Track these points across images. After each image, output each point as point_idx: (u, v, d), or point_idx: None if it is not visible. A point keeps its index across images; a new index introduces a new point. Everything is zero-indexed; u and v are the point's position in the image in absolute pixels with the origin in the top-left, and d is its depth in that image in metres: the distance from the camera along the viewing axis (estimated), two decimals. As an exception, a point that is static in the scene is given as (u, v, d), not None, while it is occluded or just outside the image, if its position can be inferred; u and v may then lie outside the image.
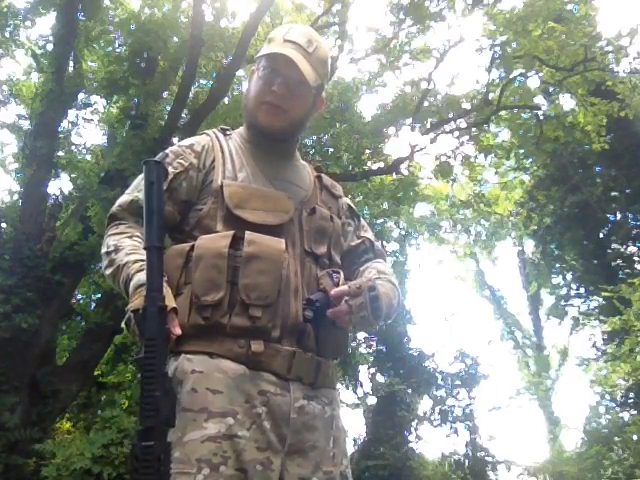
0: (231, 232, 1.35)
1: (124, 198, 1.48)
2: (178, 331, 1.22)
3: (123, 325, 1.26)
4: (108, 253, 1.40)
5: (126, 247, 1.38)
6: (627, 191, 12.15)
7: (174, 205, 1.44)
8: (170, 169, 1.44)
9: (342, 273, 1.43)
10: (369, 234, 1.68)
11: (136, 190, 1.47)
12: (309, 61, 1.46)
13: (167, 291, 1.25)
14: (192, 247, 1.36)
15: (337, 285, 1.37)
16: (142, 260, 1.31)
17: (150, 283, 1.19)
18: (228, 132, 1.59)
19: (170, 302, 1.23)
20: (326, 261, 1.48)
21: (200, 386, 1.27)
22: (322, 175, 1.65)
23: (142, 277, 1.26)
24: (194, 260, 1.34)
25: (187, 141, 1.55)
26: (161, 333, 1.17)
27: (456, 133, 9.51)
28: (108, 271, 1.39)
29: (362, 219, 1.71)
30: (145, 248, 1.22)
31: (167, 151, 1.52)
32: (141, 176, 1.46)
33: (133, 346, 8.74)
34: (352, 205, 1.69)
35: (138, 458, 1.09)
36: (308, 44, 1.48)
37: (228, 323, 1.30)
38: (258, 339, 1.31)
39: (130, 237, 1.41)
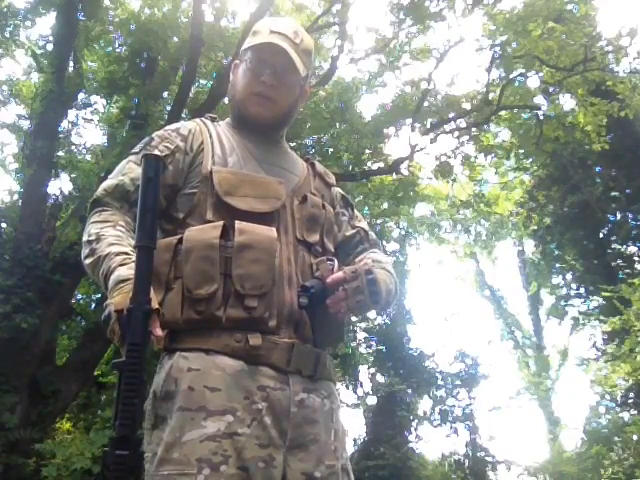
0: (221, 222, 1.32)
1: (109, 182, 1.43)
2: (159, 332, 1.16)
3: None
4: (89, 242, 1.34)
5: (109, 237, 1.32)
6: (627, 191, 12.14)
7: (160, 189, 1.40)
8: (156, 152, 1.40)
9: (336, 260, 1.39)
10: (363, 224, 1.66)
11: (120, 174, 1.43)
12: (296, 51, 1.47)
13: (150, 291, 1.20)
14: (180, 240, 1.32)
15: (332, 272, 1.33)
16: (125, 253, 1.28)
17: (137, 285, 1.14)
18: (216, 120, 1.58)
19: (154, 303, 1.17)
20: (319, 249, 1.46)
21: (197, 384, 1.24)
22: (315, 162, 1.65)
23: (123, 272, 1.23)
24: (183, 253, 1.30)
25: (173, 125, 1.53)
26: (145, 338, 1.12)
27: (456, 133, 9.52)
28: (88, 261, 1.33)
29: (355, 209, 1.69)
30: (135, 247, 1.19)
31: (153, 135, 1.50)
32: (125, 161, 1.45)
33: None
34: (345, 194, 1.68)
35: (110, 468, 1.05)
36: (294, 35, 1.49)
37: (224, 315, 1.27)
38: (255, 331, 1.28)
39: (113, 226, 1.35)
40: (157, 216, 1.25)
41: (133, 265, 1.20)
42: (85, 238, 1.37)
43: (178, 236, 1.34)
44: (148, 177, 1.22)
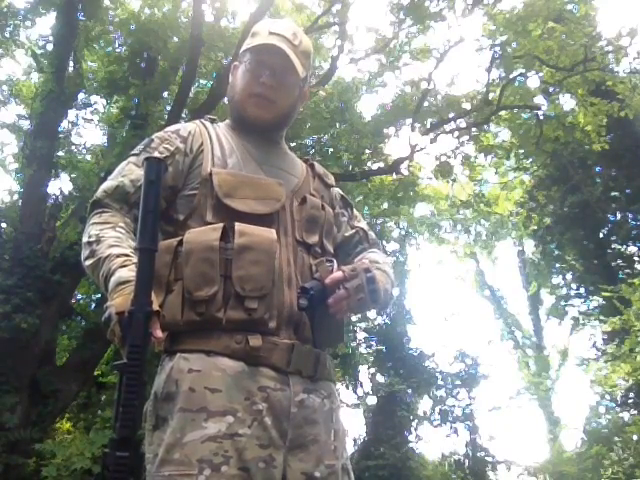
0: (220, 224, 1.33)
1: (109, 183, 1.43)
2: (159, 334, 1.16)
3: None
4: (89, 243, 1.34)
5: (109, 238, 1.32)
6: (627, 191, 12.15)
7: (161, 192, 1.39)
8: (156, 154, 1.41)
9: (335, 261, 1.40)
10: (363, 224, 1.67)
11: (120, 175, 1.43)
12: (295, 53, 1.48)
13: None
14: (180, 242, 1.33)
15: (332, 273, 1.33)
16: (125, 255, 1.28)
17: (139, 287, 1.14)
18: (215, 121, 1.59)
19: (154, 305, 1.17)
20: (318, 250, 1.47)
21: (198, 385, 1.25)
22: (315, 163, 1.65)
23: (124, 274, 1.23)
24: (184, 255, 1.30)
25: (173, 127, 1.53)
26: (146, 340, 1.12)
27: (456, 133, 9.51)
28: (88, 262, 1.33)
29: (355, 209, 1.70)
30: (137, 249, 1.19)
31: (153, 136, 1.50)
32: (125, 162, 1.46)
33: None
34: (344, 195, 1.69)
35: (109, 469, 1.05)
36: (293, 37, 1.49)
37: (224, 317, 1.27)
38: (255, 332, 1.29)
39: (113, 227, 1.35)
40: (159, 218, 1.25)
41: (134, 267, 1.21)
42: (85, 239, 1.37)
43: (178, 238, 1.34)
44: (150, 180, 1.22)
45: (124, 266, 1.25)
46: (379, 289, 1.37)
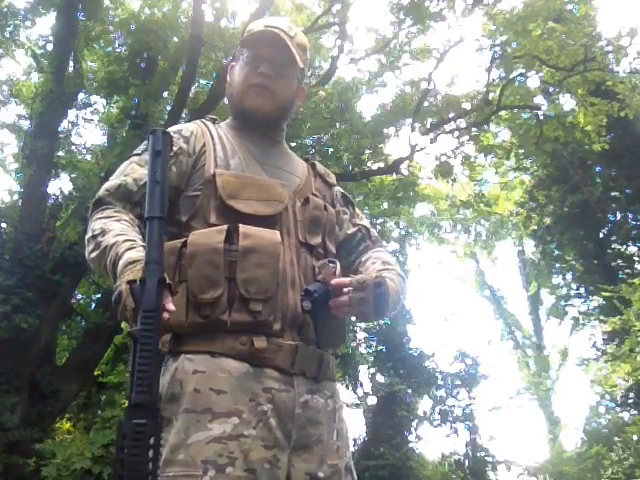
0: (225, 226, 1.32)
1: (111, 182, 1.40)
2: (172, 307, 1.13)
3: (113, 300, 1.15)
4: (94, 237, 1.31)
5: (114, 229, 1.29)
6: (627, 191, 12.15)
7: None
8: None
9: (338, 263, 1.39)
10: (364, 221, 1.66)
11: (122, 175, 1.41)
12: (292, 44, 1.48)
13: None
14: (184, 244, 1.31)
15: (335, 275, 1.33)
16: (132, 240, 1.25)
17: (150, 254, 1.12)
18: (217, 121, 1.58)
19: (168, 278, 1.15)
20: (321, 251, 1.46)
21: (203, 386, 1.24)
22: (316, 163, 1.65)
23: (133, 254, 1.20)
24: (187, 257, 1.29)
25: (175, 127, 1.52)
26: (159, 307, 1.08)
27: (456, 133, 9.50)
28: (94, 254, 1.30)
29: (356, 207, 1.69)
30: (146, 219, 1.17)
31: None
32: (127, 162, 1.45)
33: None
34: (346, 193, 1.68)
35: (126, 437, 0.99)
36: (289, 29, 1.50)
37: (229, 319, 1.27)
38: (259, 334, 1.29)
39: (118, 220, 1.33)
40: (166, 188, 1.25)
41: (142, 249, 1.19)
42: (89, 235, 1.34)
43: (182, 240, 1.33)
44: (156, 150, 1.21)
45: (132, 248, 1.23)
46: (387, 304, 1.36)
